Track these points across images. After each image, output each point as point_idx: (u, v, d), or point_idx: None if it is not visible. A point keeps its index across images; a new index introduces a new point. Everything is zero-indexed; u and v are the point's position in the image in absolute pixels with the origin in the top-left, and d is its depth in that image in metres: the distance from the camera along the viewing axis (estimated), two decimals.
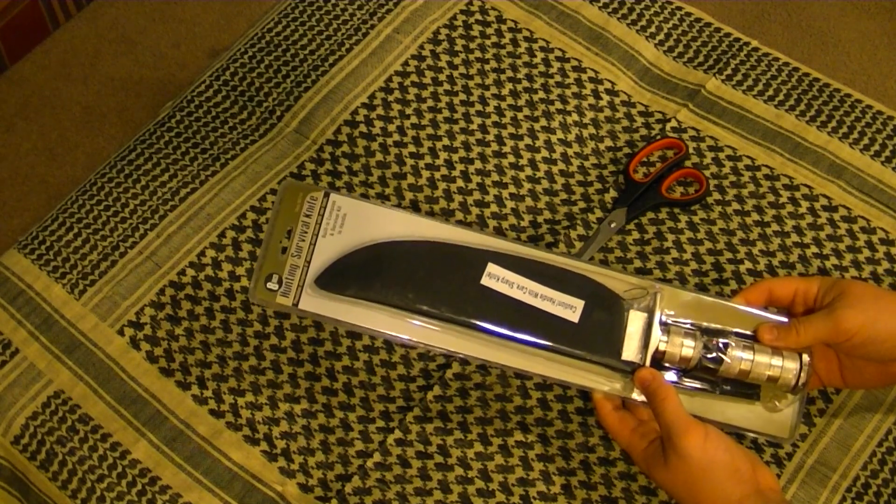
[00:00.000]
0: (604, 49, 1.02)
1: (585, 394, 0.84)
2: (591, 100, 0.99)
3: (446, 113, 0.98)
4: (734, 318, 0.75)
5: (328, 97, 0.99)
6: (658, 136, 0.97)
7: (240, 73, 1.02)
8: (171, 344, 0.88)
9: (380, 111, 0.98)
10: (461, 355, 0.75)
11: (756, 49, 1.03)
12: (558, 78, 1.00)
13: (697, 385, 0.75)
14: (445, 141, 0.97)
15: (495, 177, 0.95)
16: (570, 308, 0.75)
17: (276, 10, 1.06)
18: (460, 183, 0.95)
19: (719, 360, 0.73)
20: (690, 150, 0.96)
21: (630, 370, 0.74)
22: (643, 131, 0.98)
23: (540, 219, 0.94)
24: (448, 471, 0.82)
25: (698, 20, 1.05)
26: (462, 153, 0.96)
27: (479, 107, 0.99)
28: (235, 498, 0.82)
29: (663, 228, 0.93)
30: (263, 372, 0.86)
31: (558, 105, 0.99)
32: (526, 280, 0.75)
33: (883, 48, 1.74)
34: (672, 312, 0.75)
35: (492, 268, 0.75)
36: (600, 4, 1.04)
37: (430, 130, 0.97)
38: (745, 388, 0.75)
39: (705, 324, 0.75)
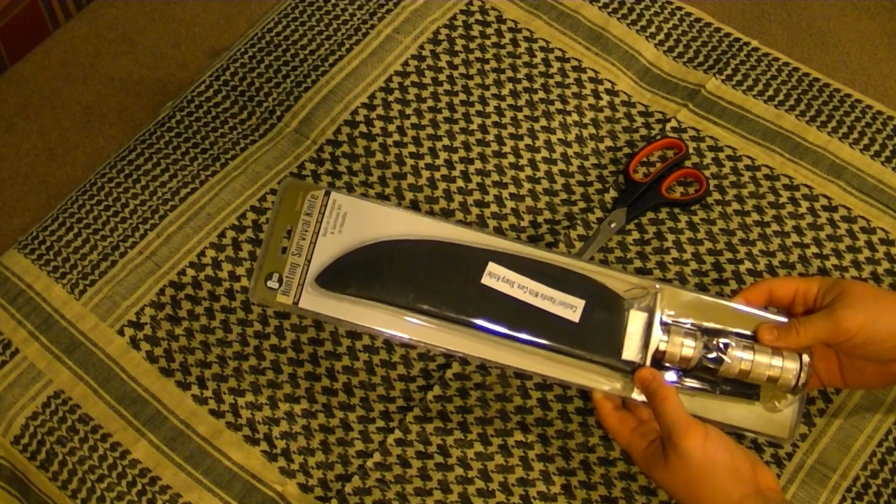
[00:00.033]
0: (604, 49, 1.02)
1: (585, 394, 0.84)
2: (591, 100, 0.99)
3: (446, 113, 0.98)
4: (734, 319, 0.75)
5: (328, 97, 0.99)
6: (658, 136, 0.97)
7: (240, 73, 1.02)
8: (171, 344, 0.88)
9: (380, 111, 0.98)
10: (461, 354, 0.75)
11: (756, 49, 1.03)
12: (558, 78, 1.00)
13: (697, 385, 0.75)
14: (445, 141, 0.97)
15: (495, 177, 0.95)
16: (570, 308, 0.75)
17: (276, 10, 1.06)
18: (460, 183, 0.95)
19: (719, 360, 0.73)
20: (690, 150, 0.96)
21: (630, 370, 0.74)
22: (643, 131, 0.98)
23: (540, 219, 0.94)
24: (448, 471, 0.82)
25: (698, 20, 1.05)
26: (462, 153, 0.96)
27: (479, 107, 0.99)
28: (235, 498, 0.82)
29: (663, 228, 0.93)
30: (263, 372, 0.86)
31: (558, 105, 0.99)
32: (526, 279, 0.75)
33: (883, 48, 1.74)
34: (672, 312, 0.75)
35: (492, 267, 0.75)
36: (600, 4, 1.04)
37: (430, 130, 0.97)
38: (745, 388, 0.75)
39: (705, 324, 0.75)
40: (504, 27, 1.03)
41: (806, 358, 0.73)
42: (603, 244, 0.92)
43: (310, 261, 0.75)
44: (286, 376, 0.86)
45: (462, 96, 0.99)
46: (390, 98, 0.99)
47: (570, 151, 0.97)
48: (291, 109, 0.99)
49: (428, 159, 0.96)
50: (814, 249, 0.91)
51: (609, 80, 1.00)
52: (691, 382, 0.75)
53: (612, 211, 0.93)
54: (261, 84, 1.01)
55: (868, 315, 0.72)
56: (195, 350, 0.87)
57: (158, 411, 0.85)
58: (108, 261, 0.92)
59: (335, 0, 1.05)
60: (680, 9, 1.05)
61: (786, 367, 0.73)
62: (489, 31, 1.03)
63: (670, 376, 0.74)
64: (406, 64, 1.01)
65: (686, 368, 0.74)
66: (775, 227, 0.92)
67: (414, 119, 0.98)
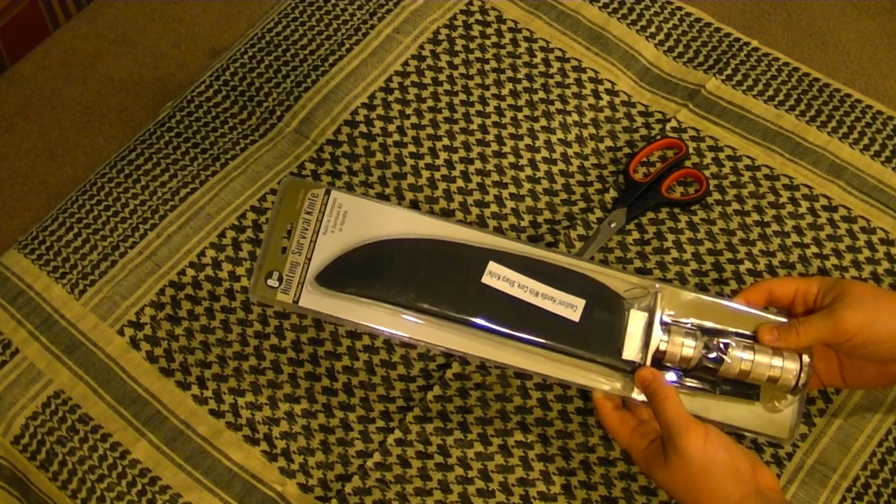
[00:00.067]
0: (604, 49, 1.02)
1: (585, 393, 0.84)
2: (591, 100, 0.99)
3: (446, 113, 0.98)
4: (734, 319, 0.75)
5: (328, 97, 0.99)
6: (658, 136, 0.97)
7: (240, 73, 1.02)
8: (171, 344, 0.88)
9: (380, 111, 0.98)
10: (462, 354, 0.75)
11: (756, 49, 1.03)
12: (558, 78, 1.00)
13: (697, 385, 0.75)
14: (445, 141, 0.97)
15: (495, 177, 0.95)
16: (570, 307, 0.75)
17: (276, 10, 1.06)
18: (460, 183, 0.95)
19: (720, 360, 0.73)
20: (690, 150, 0.96)
21: (630, 370, 0.74)
22: (643, 131, 0.98)
23: (540, 219, 0.94)
24: (448, 471, 0.82)
25: (698, 20, 1.05)
26: (462, 153, 0.96)
27: (479, 107, 0.99)
28: (235, 498, 0.82)
29: (663, 228, 0.93)
30: (263, 372, 0.86)
31: (558, 105, 0.99)
32: (527, 279, 0.75)
33: (883, 48, 1.74)
34: (672, 312, 0.75)
35: (493, 266, 0.75)
36: (600, 4, 1.04)
37: (430, 130, 0.97)
38: (745, 388, 0.75)
39: (706, 324, 0.75)
40: (504, 27, 1.03)
41: (806, 358, 0.73)
42: (603, 244, 0.92)
43: (310, 259, 0.75)
44: (286, 376, 0.86)
45: (462, 96, 0.99)
46: (390, 98, 0.99)
47: (570, 151, 0.97)
48: (291, 109, 0.99)
49: (428, 159, 0.96)
50: (814, 249, 0.91)
51: (609, 80, 1.00)
52: (691, 382, 0.75)
53: (612, 211, 0.93)
54: (261, 84, 1.01)
55: (868, 315, 0.72)
56: (195, 350, 0.87)
57: (158, 411, 0.85)
58: (108, 261, 0.92)
59: (335, 0, 1.05)
60: (680, 9, 1.05)
61: (786, 367, 0.73)
62: (489, 31, 1.03)
63: (670, 376, 0.74)
64: (406, 64, 1.01)
65: (686, 368, 0.74)
66: (775, 227, 0.92)
67: (414, 119, 0.98)
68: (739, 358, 0.73)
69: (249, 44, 1.04)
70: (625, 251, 0.91)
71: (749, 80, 1.00)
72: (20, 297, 0.91)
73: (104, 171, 0.97)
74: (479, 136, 0.97)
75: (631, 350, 0.74)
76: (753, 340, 0.74)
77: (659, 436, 0.72)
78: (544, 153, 0.97)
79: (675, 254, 0.91)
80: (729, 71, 1.01)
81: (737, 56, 1.02)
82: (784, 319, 0.75)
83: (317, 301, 0.75)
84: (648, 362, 0.74)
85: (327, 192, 0.76)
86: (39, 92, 1.68)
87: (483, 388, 0.85)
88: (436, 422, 0.84)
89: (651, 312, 0.75)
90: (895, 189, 0.94)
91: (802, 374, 0.73)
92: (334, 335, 0.87)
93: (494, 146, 0.97)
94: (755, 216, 0.93)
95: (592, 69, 1.01)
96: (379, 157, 0.96)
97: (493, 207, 0.94)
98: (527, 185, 0.95)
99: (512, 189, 0.95)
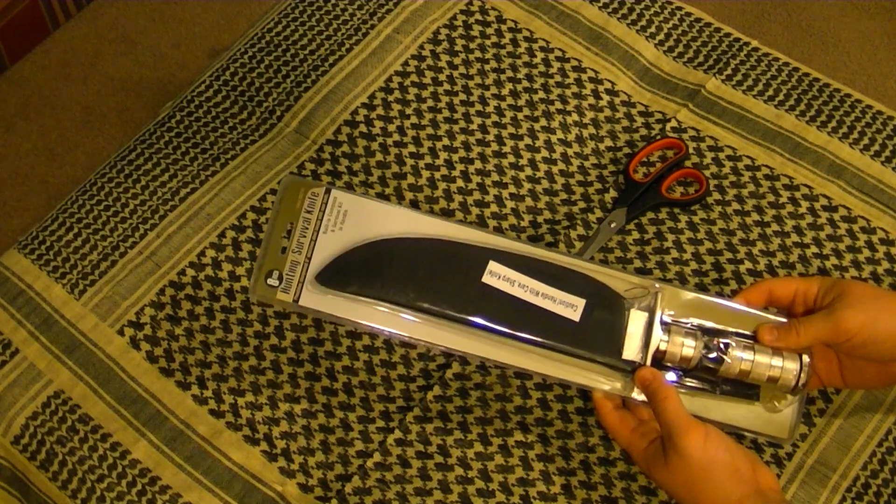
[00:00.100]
0: (604, 49, 1.02)
1: (585, 393, 0.84)
2: (591, 100, 0.99)
3: (446, 113, 0.98)
4: (734, 319, 0.75)
5: (328, 97, 0.99)
6: (658, 136, 0.97)
7: (240, 73, 1.02)
8: (171, 344, 0.88)
9: (380, 111, 0.98)
10: (462, 353, 0.75)
11: (756, 49, 1.03)
12: (558, 78, 1.00)
13: (697, 385, 0.75)
14: (445, 141, 0.97)
15: (495, 177, 0.95)
16: (571, 307, 0.75)
17: (276, 10, 1.06)
18: (460, 183, 0.95)
19: (720, 360, 0.73)
20: (690, 150, 0.96)
21: (630, 369, 0.74)
22: (643, 131, 0.98)
23: (540, 219, 0.94)
24: (448, 471, 0.82)
25: (698, 20, 1.05)
26: (462, 153, 0.96)
27: (479, 107, 0.99)
28: (235, 498, 0.82)
29: (663, 228, 0.93)
30: (263, 372, 0.86)
31: (558, 105, 0.99)
32: (527, 278, 0.75)
33: (883, 48, 1.74)
34: (672, 312, 0.75)
35: (493, 266, 0.75)
36: (600, 4, 1.04)
37: (430, 130, 0.97)
38: (745, 388, 0.75)
39: (706, 324, 0.75)
40: (504, 27, 1.03)
41: (806, 358, 0.73)
42: (603, 244, 0.92)
43: (310, 258, 0.75)
44: (286, 376, 0.86)
45: (462, 96, 0.99)
46: (390, 98, 0.99)
47: (570, 151, 0.97)
48: (291, 109, 0.99)
49: (428, 159, 0.96)
50: (814, 249, 0.91)
51: (609, 80, 1.00)
52: (691, 382, 0.75)
53: (612, 211, 0.93)
54: (261, 84, 1.01)
55: (868, 315, 0.72)
56: (195, 350, 0.87)
57: (158, 411, 0.85)
58: (108, 261, 0.92)
59: (335, 0, 1.05)
60: (680, 9, 1.05)
61: (786, 367, 0.73)
62: (489, 31, 1.03)
63: (670, 376, 0.74)
64: (406, 64, 1.01)
65: (686, 368, 0.74)
66: (775, 227, 0.92)
67: (414, 119, 0.98)
68: (739, 358, 0.73)
69: (249, 44, 1.04)
70: (625, 251, 0.91)
71: (749, 80, 1.00)
72: (20, 297, 0.91)
73: (104, 171, 0.97)
74: (479, 136, 0.97)
75: (631, 350, 0.74)
76: (753, 340, 0.74)
77: (659, 436, 0.72)
78: (544, 153, 0.97)
79: (675, 254, 0.91)
80: (729, 71, 1.01)
81: (737, 56, 1.02)
82: (784, 319, 0.75)
83: (317, 300, 0.75)
84: (648, 362, 0.74)
85: (327, 191, 0.76)
86: (39, 92, 1.68)
87: (483, 388, 0.85)
88: (436, 422, 0.84)
89: (651, 312, 0.75)
90: (895, 189, 0.94)
91: (802, 374, 0.73)
92: (334, 335, 0.87)
93: (494, 146, 0.97)
94: (755, 216, 0.93)
95: (592, 69, 1.01)
96: (379, 157, 0.96)
97: (493, 207, 0.94)
98: (527, 185, 0.95)
99: (512, 189, 0.95)
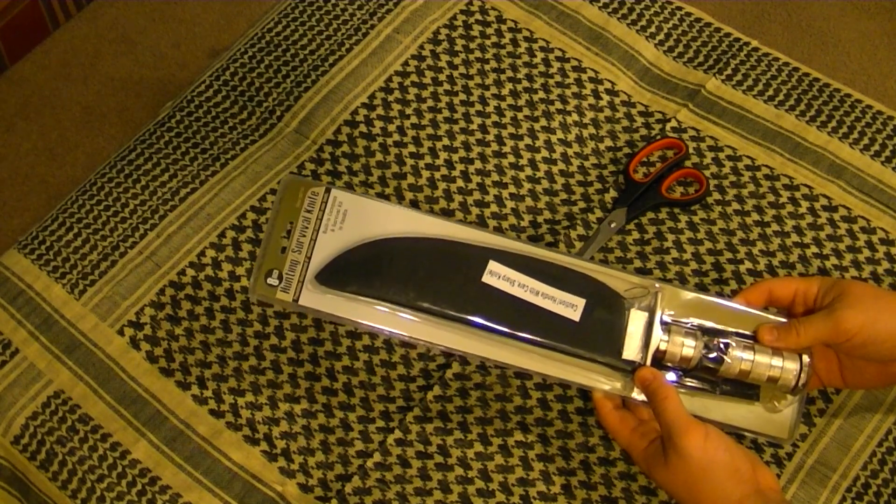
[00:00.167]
0: (604, 49, 1.02)
1: (585, 393, 0.84)
2: (591, 100, 0.99)
3: (446, 113, 0.98)
4: (734, 319, 0.75)
5: (328, 97, 0.99)
6: (658, 136, 0.97)
7: (240, 73, 1.02)
8: (171, 344, 0.88)
9: (380, 111, 0.98)
10: (461, 353, 0.75)
11: (756, 49, 1.03)
12: (558, 78, 1.00)
13: (697, 385, 0.75)
14: (445, 141, 0.97)
15: (495, 177, 0.95)
16: (571, 307, 0.75)
17: (276, 10, 1.06)
18: (460, 183, 0.95)
19: (720, 360, 0.73)
20: (690, 150, 0.96)
21: (630, 369, 0.74)
22: (643, 131, 0.98)
23: (540, 219, 0.94)
24: (448, 471, 0.82)
25: (698, 20, 1.05)
26: (462, 153, 0.96)
27: (479, 107, 0.99)
28: (235, 498, 0.82)
29: (663, 228, 0.93)
30: (263, 372, 0.86)
31: (558, 105, 0.99)
32: (527, 278, 0.75)
33: (883, 48, 1.74)
34: (672, 312, 0.75)
35: (493, 265, 0.75)
36: (600, 4, 1.04)
37: (430, 130, 0.97)
38: (745, 388, 0.75)
39: (706, 323, 0.75)
40: (504, 27, 1.03)
41: (806, 358, 0.73)
42: (603, 244, 0.92)
43: (310, 258, 0.75)
44: (286, 376, 0.86)
45: (462, 96, 0.99)
46: (390, 98, 0.99)
47: (570, 151, 0.97)
48: (291, 109, 0.99)
49: (428, 159, 0.96)
50: (814, 249, 0.91)
51: (609, 80, 1.00)
52: (691, 382, 0.75)
53: (612, 211, 0.93)
54: (261, 84, 1.01)
55: (868, 315, 0.72)
56: (195, 350, 0.87)
57: (158, 411, 0.85)
58: (108, 261, 0.92)
59: (335, 0, 1.05)
60: (680, 9, 1.05)
61: (786, 367, 0.73)
62: (489, 31, 1.03)
63: (670, 376, 0.74)
64: (406, 64, 1.01)
65: (686, 368, 0.74)
66: (775, 227, 0.92)
67: (414, 119, 0.98)
68: (739, 358, 0.73)
69: (249, 44, 1.04)
70: (625, 251, 0.91)
71: (749, 80, 1.00)
72: (20, 297, 0.91)
73: (104, 171, 0.97)
74: (479, 136, 0.97)
75: (631, 350, 0.74)
76: (753, 340, 0.74)
77: (659, 436, 0.72)
78: (544, 153, 0.97)
79: (675, 254, 0.91)
80: (729, 71, 1.01)
81: (737, 56, 1.02)
82: (784, 319, 0.75)
83: (316, 300, 0.75)
84: (648, 362, 0.74)
85: (327, 191, 0.76)
86: (39, 92, 1.68)
87: (483, 388, 0.85)
88: (436, 422, 0.84)
89: (651, 312, 0.75)
90: (895, 189, 0.94)
91: (802, 374, 0.73)
92: (334, 335, 0.87)
93: (494, 146, 0.97)
94: (755, 216, 0.93)
95: (592, 69, 1.01)
96: (379, 157, 0.96)
97: (493, 207, 0.94)
98: (527, 185, 0.95)
99: (512, 189, 0.95)
